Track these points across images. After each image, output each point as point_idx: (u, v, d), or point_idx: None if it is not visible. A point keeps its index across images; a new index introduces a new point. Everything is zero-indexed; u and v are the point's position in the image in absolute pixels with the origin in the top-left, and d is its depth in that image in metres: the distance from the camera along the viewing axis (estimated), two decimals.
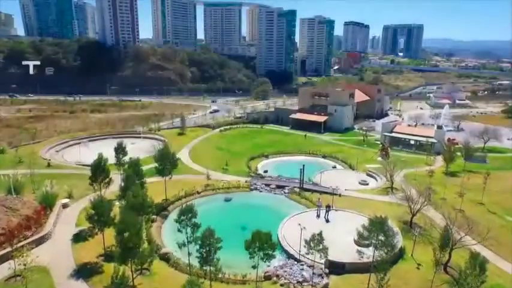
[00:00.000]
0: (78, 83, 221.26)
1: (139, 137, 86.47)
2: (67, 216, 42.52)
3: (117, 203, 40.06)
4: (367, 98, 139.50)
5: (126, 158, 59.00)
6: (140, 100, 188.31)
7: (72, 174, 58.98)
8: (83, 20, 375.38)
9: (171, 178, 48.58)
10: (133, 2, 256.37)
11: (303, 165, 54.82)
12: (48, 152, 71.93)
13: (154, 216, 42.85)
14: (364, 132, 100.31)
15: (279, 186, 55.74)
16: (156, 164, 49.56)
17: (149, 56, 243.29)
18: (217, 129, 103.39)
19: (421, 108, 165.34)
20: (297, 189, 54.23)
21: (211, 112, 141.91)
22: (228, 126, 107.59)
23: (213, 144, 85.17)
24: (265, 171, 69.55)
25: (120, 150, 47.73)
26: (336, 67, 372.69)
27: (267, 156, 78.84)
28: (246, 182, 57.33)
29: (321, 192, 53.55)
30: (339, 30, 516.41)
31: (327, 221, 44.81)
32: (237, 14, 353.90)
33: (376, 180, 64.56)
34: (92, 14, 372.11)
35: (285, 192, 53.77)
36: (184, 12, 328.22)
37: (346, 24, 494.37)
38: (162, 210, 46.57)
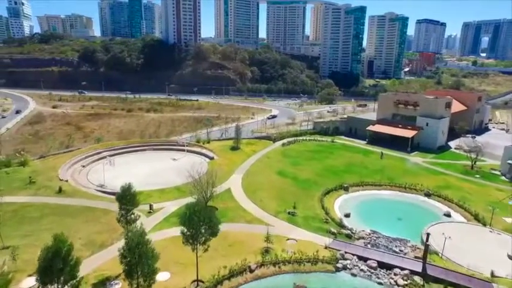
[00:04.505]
0: (140, 81, 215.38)
1: (184, 150, 68.06)
2: None
3: None
4: (464, 107, 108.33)
5: (161, 181, 39.71)
6: (197, 100, 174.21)
7: (83, 208, 41.63)
8: (151, 20, 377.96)
9: (207, 249, 28.13)
10: (197, 1, 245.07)
11: (428, 235, 31.12)
12: (73, 167, 56.30)
13: None
14: (474, 156, 72.06)
15: (381, 264, 32.78)
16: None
17: (210, 54, 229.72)
18: (279, 142, 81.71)
19: None
20: (418, 278, 30.61)
21: (269, 118, 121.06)
22: (292, 139, 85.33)
23: (274, 166, 63.54)
24: (347, 215, 46.91)
25: (125, 198, 28.22)
26: (406, 69, 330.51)
27: (346, 189, 55.61)
28: (326, 248, 35.03)
29: None
30: (409, 29, 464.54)
31: None
32: (301, 11, 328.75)
33: None
34: (159, 15, 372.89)
35: (396, 284, 30.31)
36: (247, 10, 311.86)
37: (419, 22, 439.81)
38: None
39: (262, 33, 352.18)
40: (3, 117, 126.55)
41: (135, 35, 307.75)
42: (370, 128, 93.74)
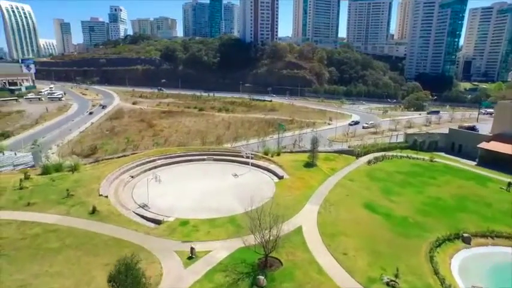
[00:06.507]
0: (215, 79, 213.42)
1: (248, 163, 56.30)
2: None
3: None
4: None
5: (214, 205, 29.46)
6: (271, 100, 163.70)
7: (111, 240, 32.13)
8: (230, 21, 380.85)
9: None
10: (275, 0, 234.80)
11: None
12: (120, 177, 48.41)
13: None
14: None
15: None
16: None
17: (286, 53, 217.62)
18: (364, 158, 65.34)
19: None
20: None
21: (351, 124, 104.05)
22: (380, 154, 68.09)
23: (359, 193, 48.02)
24: None
25: (122, 281, 17.00)
26: None
27: (466, 241, 38.01)
28: None
29: None
30: None
31: None
32: (386, 8, 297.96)
33: None
34: (238, 15, 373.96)
35: None
36: (327, 8, 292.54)
37: None
38: None
39: (342, 32, 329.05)
40: (103, 106, 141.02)
41: (214, 35, 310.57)
42: (483, 145, 71.53)
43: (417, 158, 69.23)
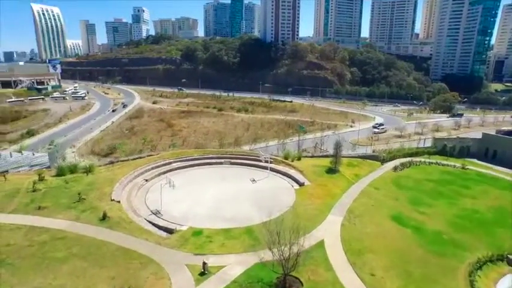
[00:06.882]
0: (235, 79, 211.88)
1: (266, 168, 53.49)
2: None
3: None
4: None
5: (229, 213, 30.50)
6: (291, 101, 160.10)
7: (120, 250, 30.15)
8: (250, 21, 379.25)
9: None
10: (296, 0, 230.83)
11: None
12: (134, 181, 46.54)
13: None
14: None
15: None
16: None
17: (307, 53, 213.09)
18: (389, 164, 61.11)
19: None
20: None
21: (375, 127, 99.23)
22: (406, 160, 63.64)
23: (385, 204, 44.19)
24: None
25: None
26: None
27: None
28: None
29: None
30: None
31: None
32: (411, 6, 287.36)
33: None
34: (259, 15, 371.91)
35: None
36: (349, 7, 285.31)
37: None
38: None
39: (365, 32, 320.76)
40: (124, 105, 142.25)
41: (235, 35, 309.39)
42: None
43: (447, 165, 64.31)
